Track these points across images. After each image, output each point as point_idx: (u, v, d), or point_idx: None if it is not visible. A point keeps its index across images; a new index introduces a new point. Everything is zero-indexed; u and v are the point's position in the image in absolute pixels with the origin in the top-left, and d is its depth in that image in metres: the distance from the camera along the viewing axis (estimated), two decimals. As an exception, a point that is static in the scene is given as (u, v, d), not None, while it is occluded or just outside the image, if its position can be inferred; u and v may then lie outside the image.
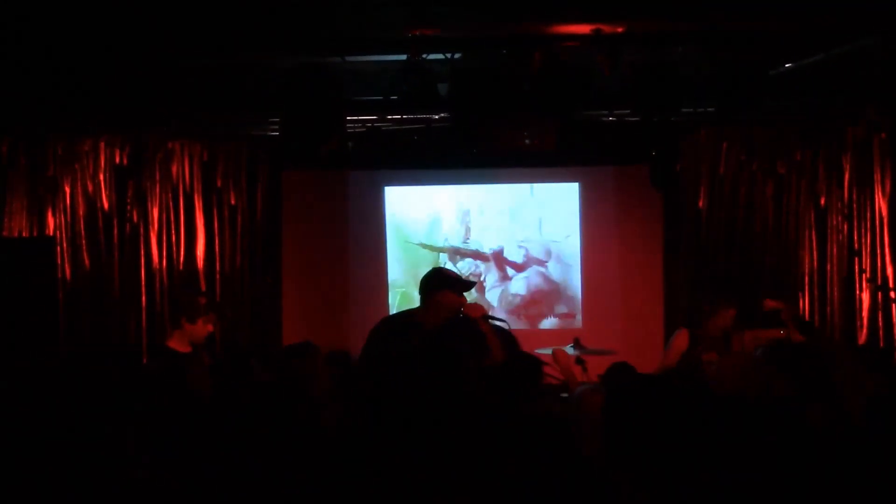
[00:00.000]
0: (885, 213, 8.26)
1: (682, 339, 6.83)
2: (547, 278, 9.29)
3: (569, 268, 9.30)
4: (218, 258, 8.95)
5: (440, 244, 9.17)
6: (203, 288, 8.76)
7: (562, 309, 9.28)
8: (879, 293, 8.27)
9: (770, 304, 6.90)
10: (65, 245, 8.45)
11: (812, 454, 3.42)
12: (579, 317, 9.25)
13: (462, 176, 9.24)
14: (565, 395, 5.60)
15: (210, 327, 6.48)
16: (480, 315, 6.27)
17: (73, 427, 3.96)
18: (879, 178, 8.28)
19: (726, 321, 6.77)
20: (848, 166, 8.48)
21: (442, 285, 6.24)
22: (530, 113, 7.64)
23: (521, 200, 9.29)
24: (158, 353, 6.63)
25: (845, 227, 8.49)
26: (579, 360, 6.52)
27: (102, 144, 8.57)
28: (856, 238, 8.44)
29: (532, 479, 3.34)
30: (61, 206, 8.46)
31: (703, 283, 8.54)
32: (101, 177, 8.58)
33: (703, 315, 6.85)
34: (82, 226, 8.53)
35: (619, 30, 6.31)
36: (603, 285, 9.22)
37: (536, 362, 5.09)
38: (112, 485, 3.57)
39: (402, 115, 8.27)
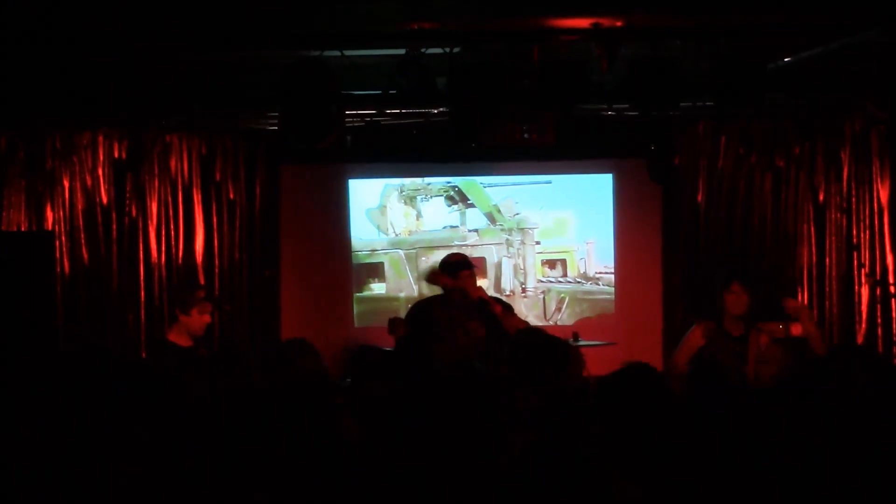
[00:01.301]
0: (884, 207, 8.26)
1: (696, 336, 6.73)
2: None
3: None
4: (216, 252, 8.94)
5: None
6: (202, 282, 8.75)
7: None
8: (878, 288, 8.27)
9: (792, 303, 6.80)
10: (63, 239, 8.44)
11: (814, 455, 3.42)
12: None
13: (459, 170, 9.24)
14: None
15: (207, 318, 6.46)
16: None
17: (71, 423, 3.95)
18: (878, 172, 8.29)
19: (740, 306, 6.64)
20: (846, 160, 8.48)
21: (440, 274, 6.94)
22: (530, 107, 7.64)
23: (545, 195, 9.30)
24: (160, 346, 6.62)
25: (844, 221, 8.49)
26: None
27: (101, 138, 8.55)
28: (854, 232, 8.44)
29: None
30: (60, 200, 8.44)
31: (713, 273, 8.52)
32: (100, 171, 8.57)
33: (718, 302, 6.79)
34: (81, 220, 8.52)
35: (618, 24, 6.30)
36: (601, 279, 9.23)
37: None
38: (109, 483, 3.57)
39: (400, 110, 8.26)
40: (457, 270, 6.94)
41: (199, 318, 6.41)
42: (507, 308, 7.02)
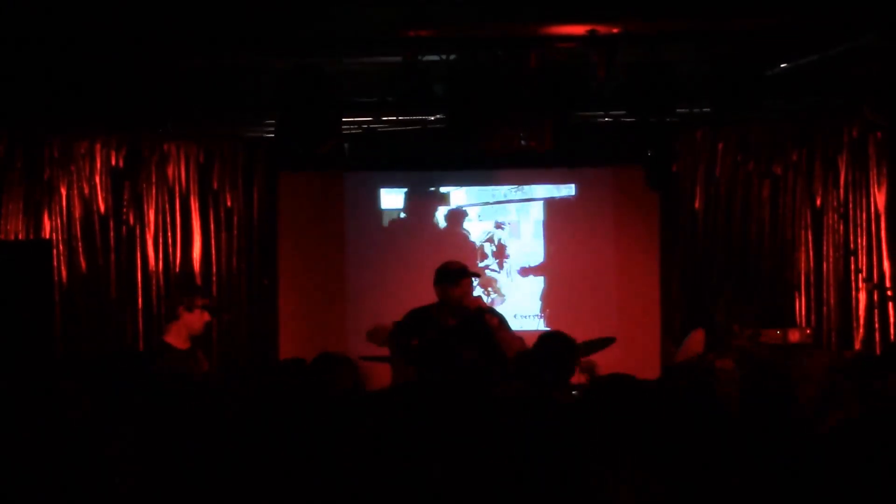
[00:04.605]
0: (881, 212, 8.26)
1: (696, 341, 6.72)
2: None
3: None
4: (214, 260, 8.94)
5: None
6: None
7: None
8: (876, 293, 8.26)
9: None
10: (61, 248, 8.43)
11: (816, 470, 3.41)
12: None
13: (456, 177, 9.24)
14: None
15: (207, 316, 6.51)
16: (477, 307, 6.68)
17: (70, 431, 3.94)
18: (875, 177, 8.27)
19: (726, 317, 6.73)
20: (844, 166, 8.47)
21: (439, 281, 6.64)
22: (527, 114, 7.63)
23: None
24: (158, 349, 6.62)
25: (841, 227, 8.48)
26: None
27: (98, 146, 8.56)
28: (852, 238, 8.43)
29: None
30: (57, 208, 8.44)
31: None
32: (98, 179, 8.57)
33: (714, 310, 6.86)
34: (78, 228, 8.51)
35: (615, 30, 6.31)
36: (599, 286, 9.21)
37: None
38: (107, 490, 3.56)
39: (397, 117, 8.27)
40: (459, 278, 6.69)
41: (201, 317, 6.46)
42: (503, 321, 6.77)
